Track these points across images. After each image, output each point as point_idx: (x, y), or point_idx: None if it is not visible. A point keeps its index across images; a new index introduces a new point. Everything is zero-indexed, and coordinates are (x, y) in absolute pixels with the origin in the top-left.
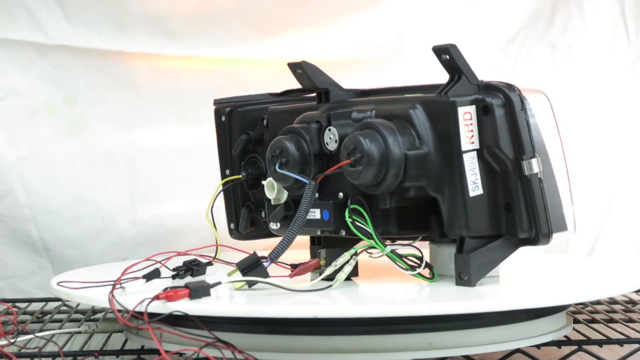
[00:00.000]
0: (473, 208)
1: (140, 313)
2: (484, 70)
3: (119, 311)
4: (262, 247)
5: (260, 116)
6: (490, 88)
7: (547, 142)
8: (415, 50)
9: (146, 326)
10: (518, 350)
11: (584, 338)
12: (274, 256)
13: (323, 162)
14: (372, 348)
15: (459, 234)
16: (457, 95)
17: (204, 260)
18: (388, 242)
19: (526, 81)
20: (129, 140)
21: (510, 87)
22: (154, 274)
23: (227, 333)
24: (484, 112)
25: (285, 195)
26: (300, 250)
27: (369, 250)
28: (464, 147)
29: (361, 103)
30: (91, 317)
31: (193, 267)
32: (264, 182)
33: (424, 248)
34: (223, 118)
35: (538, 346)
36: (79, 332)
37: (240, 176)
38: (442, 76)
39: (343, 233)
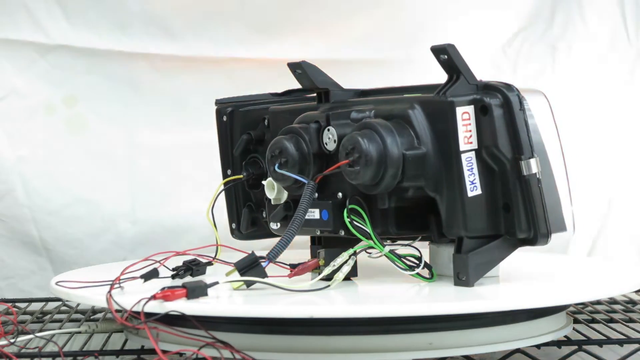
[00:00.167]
0: (471, 208)
1: (138, 313)
2: (484, 70)
3: (118, 311)
4: (264, 247)
5: (262, 116)
6: (488, 88)
7: (546, 142)
8: (415, 50)
9: (143, 326)
10: (518, 350)
11: (584, 338)
12: (272, 256)
13: (322, 162)
14: (372, 348)
15: (458, 234)
16: (455, 95)
17: (203, 260)
18: (388, 242)
19: (526, 81)
20: (129, 140)
21: (509, 87)
22: (152, 274)
23: (225, 333)
24: (482, 112)
25: (285, 195)
26: (300, 250)
27: (368, 250)
28: (462, 147)
29: (360, 103)
30: (91, 317)
31: (193, 267)
32: (264, 182)
33: (424, 248)
34: (224, 118)
35: (538, 346)
36: (79, 332)
37: (241, 176)
38: (442, 76)
39: (342, 233)
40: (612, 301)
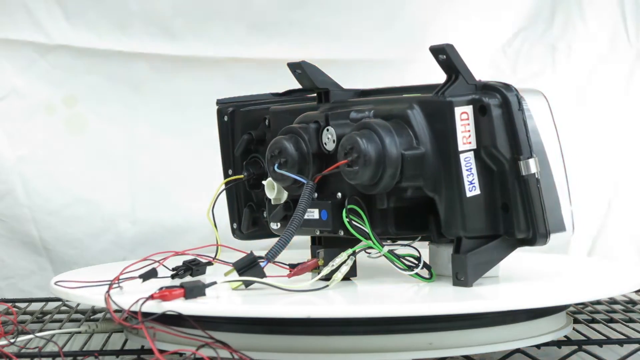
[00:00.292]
0: (470, 208)
1: (135, 312)
2: (484, 70)
3: (117, 311)
4: (265, 247)
5: (263, 116)
6: (487, 88)
7: (545, 142)
8: (416, 50)
9: (140, 325)
10: (518, 350)
11: (584, 338)
12: (271, 256)
13: (322, 162)
14: (372, 348)
15: (456, 234)
16: (454, 95)
17: (203, 260)
18: (389, 242)
19: (526, 81)
20: (129, 140)
21: (508, 87)
22: (151, 274)
23: (224, 333)
24: (481, 112)
25: (285, 195)
26: (300, 250)
27: (368, 251)
28: (460, 147)
29: (360, 103)
30: (91, 317)
31: (192, 267)
32: (264, 182)
33: (424, 248)
34: (225, 118)
35: (538, 346)
36: (79, 332)
37: (241, 176)
38: (442, 76)
39: (341, 233)
40: (612, 301)
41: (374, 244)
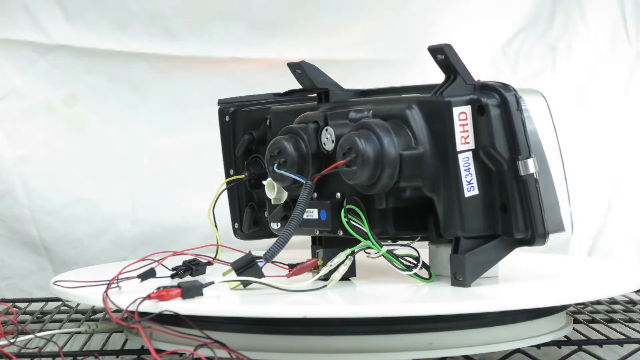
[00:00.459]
0: (468, 208)
1: (133, 312)
2: (484, 70)
3: (116, 311)
4: (265, 247)
5: (264, 116)
6: (486, 88)
7: (544, 142)
8: (416, 50)
9: (137, 325)
10: (518, 350)
11: (584, 338)
12: (269, 256)
13: (321, 162)
14: (372, 348)
15: (455, 235)
16: (452, 95)
17: (203, 260)
18: (389, 242)
19: (526, 81)
20: (129, 140)
21: (506, 87)
22: (149, 274)
23: (223, 333)
24: (479, 112)
25: (285, 195)
26: (301, 250)
27: (367, 250)
28: (459, 147)
29: (359, 103)
30: (91, 317)
31: (192, 267)
32: (264, 182)
33: (424, 248)
34: (227, 118)
35: (538, 346)
36: (79, 332)
37: (242, 176)
38: (442, 76)
39: (340, 233)
40: (612, 301)
41: (373, 244)
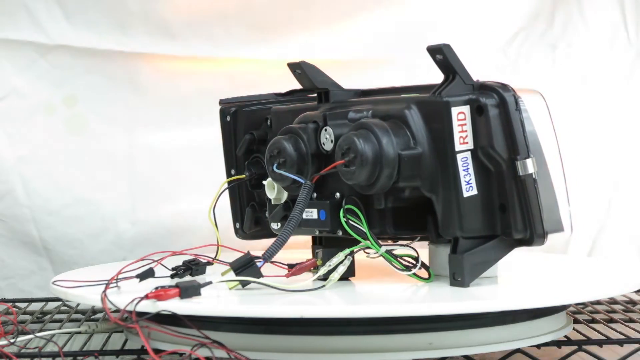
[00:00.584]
0: (467, 208)
1: (131, 312)
2: (484, 70)
3: (115, 311)
4: (266, 246)
5: (265, 116)
6: (484, 88)
7: (543, 142)
8: (416, 50)
9: (135, 325)
10: (518, 350)
11: (584, 338)
12: (268, 256)
13: (320, 162)
14: (372, 348)
15: (453, 235)
16: (451, 95)
17: (203, 260)
18: (389, 242)
19: (526, 81)
20: (129, 140)
21: (505, 87)
22: (148, 274)
23: (223, 333)
24: (478, 112)
25: (285, 195)
26: (301, 250)
27: (367, 250)
28: (457, 148)
29: (359, 103)
30: (91, 317)
31: (192, 267)
32: (264, 182)
33: (424, 248)
34: (228, 118)
35: (538, 346)
36: (79, 332)
37: (243, 176)
38: (441, 76)
39: (340, 233)
40: (612, 301)
41: (372, 244)
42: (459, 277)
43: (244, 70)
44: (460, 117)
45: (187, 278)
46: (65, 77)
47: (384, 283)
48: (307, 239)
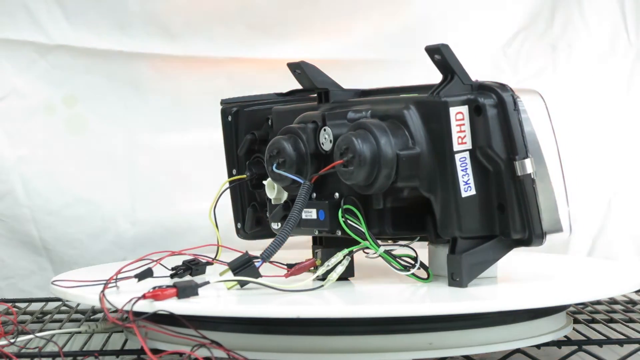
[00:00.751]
0: (465, 208)
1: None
2: (484, 70)
3: (114, 311)
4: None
5: (266, 116)
6: (483, 88)
7: (542, 143)
8: (416, 51)
9: (132, 324)
10: (518, 350)
11: (584, 338)
12: (266, 256)
13: (320, 162)
14: (372, 348)
15: (452, 235)
16: (449, 96)
17: (203, 260)
18: (389, 242)
19: (526, 81)
20: (129, 140)
21: (503, 87)
22: (147, 274)
23: (222, 333)
24: (476, 112)
25: (285, 195)
26: (301, 250)
27: (366, 250)
28: (456, 148)
29: (358, 103)
30: (91, 317)
31: (192, 267)
32: (264, 182)
33: (424, 249)
34: (229, 118)
35: (538, 346)
36: (79, 332)
37: (244, 176)
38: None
39: (339, 233)
40: (612, 301)
41: (370, 244)
42: (457, 278)
43: (244, 70)
44: (459, 117)
45: (187, 278)
46: (65, 77)
47: (383, 283)
48: (308, 239)
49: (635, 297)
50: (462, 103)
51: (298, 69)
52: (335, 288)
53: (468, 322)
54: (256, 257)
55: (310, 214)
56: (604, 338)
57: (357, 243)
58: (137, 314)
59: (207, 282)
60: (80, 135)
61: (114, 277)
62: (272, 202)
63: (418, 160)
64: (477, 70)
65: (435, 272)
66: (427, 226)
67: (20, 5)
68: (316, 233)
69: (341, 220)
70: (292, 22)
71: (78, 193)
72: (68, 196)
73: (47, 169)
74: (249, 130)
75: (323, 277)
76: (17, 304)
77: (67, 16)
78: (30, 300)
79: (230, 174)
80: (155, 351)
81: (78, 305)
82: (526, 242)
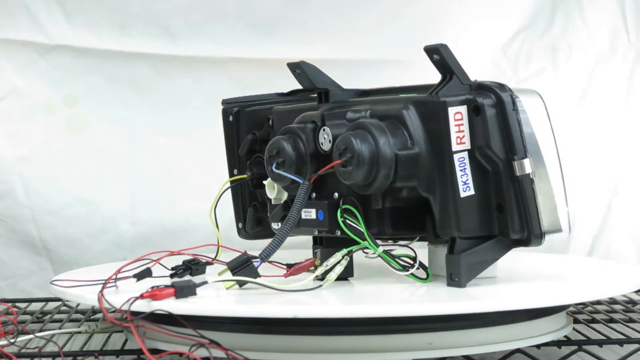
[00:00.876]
0: (464, 209)
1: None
2: (484, 70)
3: (113, 311)
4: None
5: (267, 116)
6: (481, 88)
7: (541, 143)
8: (416, 51)
9: (130, 324)
10: (518, 350)
11: (584, 338)
12: (265, 256)
13: (319, 162)
14: (372, 348)
15: (450, 235)
16: (448, 96)
17: (203, 260)
18: (389, 242)
19: (526, 81)
20: (129, 140)
21: (502, 87)
22: (145, 273)
23: (223, 333)
24: (475, 112)
25: (285, 195)
26: (301, 250)
27: (366, 250)
28: (454, 148)
29: (358, 103)
30: (91, 317)
31: (192, 267)
32: (264, 182)
33: (424, 249)
34: (230, 118)
35: (538, 346)
36: (79, 332)
37: (245, 176)
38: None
39: (338, 233)
40: (612, 301)
41: (369, 244)
42: (456, 278)
43: (243, 70)
44: (457, 117)
45: (187, 278)
46: (65, 77)
47: (382, 283)
48: (308, 239)
49: (635, 297)
50: (461, 103)
51: (298, 69)
52: (334, 288)
53: (468, 322)
54: (255, 257)
55: (310, 214)
56: (604, 338)
57: (357, 243)
58: (135, 314)
59: (205, 282)
60: (80, 135)
61: (113, 277)
62: (272, 202)
63: (417, 160)
64: (477, 70)
65: (435, 272)
66: (426, 226)
67: (20, 5)
68: (315, 233)
69: (340, 220)
70: (292, 22)
71: (78, 193)
72: (68, 196)
73: (47, 169)
74: (250, 130)
75: (322, 277)
76: (17, 304)
77: (67, 16)
78: (30, 300)
79: (231, 174)
80: (155, 351)
81: (78, 305)
82: (525, 242)
